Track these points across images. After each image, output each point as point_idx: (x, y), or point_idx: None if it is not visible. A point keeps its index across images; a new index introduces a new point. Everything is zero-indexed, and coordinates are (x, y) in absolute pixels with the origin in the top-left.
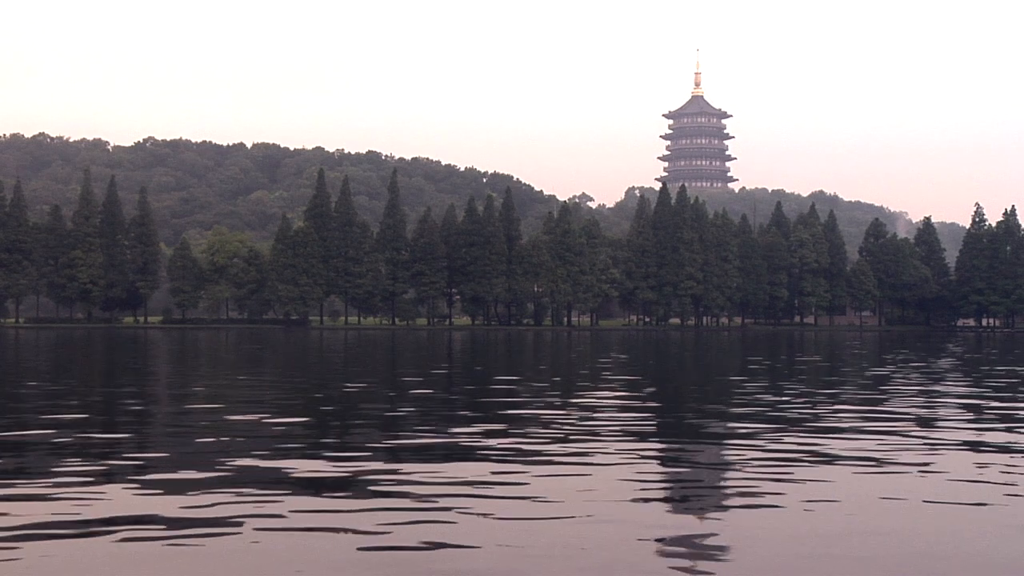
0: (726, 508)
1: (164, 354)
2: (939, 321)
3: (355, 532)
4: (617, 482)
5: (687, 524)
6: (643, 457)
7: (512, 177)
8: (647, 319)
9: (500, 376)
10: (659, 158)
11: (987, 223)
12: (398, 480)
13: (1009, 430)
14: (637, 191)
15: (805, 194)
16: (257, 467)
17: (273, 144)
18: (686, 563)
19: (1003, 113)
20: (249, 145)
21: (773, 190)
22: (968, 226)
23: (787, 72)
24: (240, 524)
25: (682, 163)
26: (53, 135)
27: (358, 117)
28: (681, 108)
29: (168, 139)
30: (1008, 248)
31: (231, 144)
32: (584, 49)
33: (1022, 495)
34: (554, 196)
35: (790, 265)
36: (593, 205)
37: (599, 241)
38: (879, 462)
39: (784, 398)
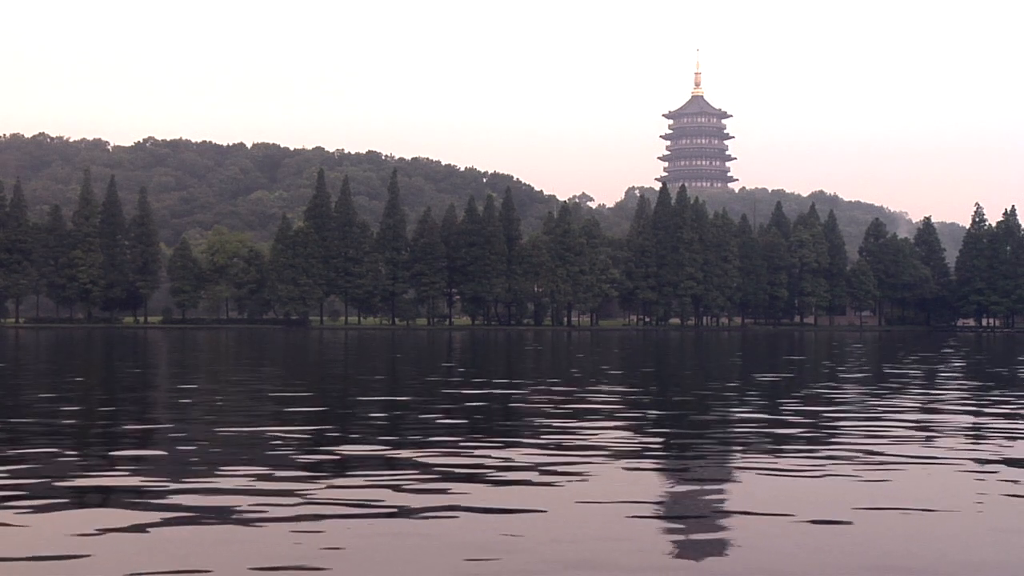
0: (729, 513)
1: (162, 355)
2: (939, 321)
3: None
4: (618, 485)
5: (687, 527)
6: (644, 459)
7: (512, 177)
8: (647, 319)
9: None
10: (659, 158)
11: (987, 223)
12: (387, 482)
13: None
14: (637, 191)
15: (805, 194)
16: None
17: (273, 144)
18: (687, 564)
19: (1003, 113)
20: (249, 145)
21: (773, 190)
22: (968, 226)
23: (787, 72)
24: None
25: (682, 163)
26: (53, 135)
27: (358, 117)
28: (681, 108)
29: (168, 139)
30: (1008, 248)
31: (231, 144)
32: (584, 49)
33: (1020, 495)
34: (554, 196)
35: (790, 265)
36: (593, 205)
37: (599, 241)
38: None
39: (789, 399)
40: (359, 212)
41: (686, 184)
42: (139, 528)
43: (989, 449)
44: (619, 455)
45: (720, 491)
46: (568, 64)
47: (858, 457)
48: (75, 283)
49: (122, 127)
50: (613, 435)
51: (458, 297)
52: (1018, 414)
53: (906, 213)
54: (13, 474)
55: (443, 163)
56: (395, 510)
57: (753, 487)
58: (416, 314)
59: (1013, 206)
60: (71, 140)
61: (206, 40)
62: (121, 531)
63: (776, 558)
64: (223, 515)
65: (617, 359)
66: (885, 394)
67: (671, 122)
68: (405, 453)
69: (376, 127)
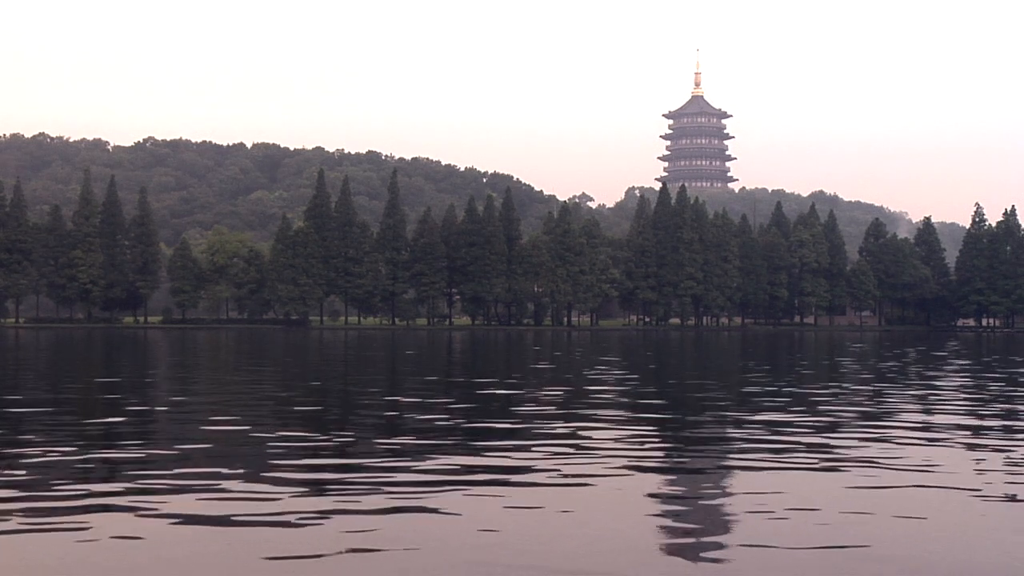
0: (729, 513)
1: (163, 355)
2: (939, 321)
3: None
4: (619, 485)
5: (690, 528)
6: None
7: (512, 177)
8: (647, 319)
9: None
10: (659, 158)
11: (987, 223)
12: (390, 482)
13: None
14: (637, 191)
15: (805, 194)
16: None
17: (273, 144)
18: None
19: (1003, 113)
20: (249, 145)
21: (773, 190)
22: (968, 226)
23: (787, 72)
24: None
25: (682, 163)
26: (53, 135)
27: (358, 117)
28: (681, 108)
29: (168, 139)
30: (1008, 248)
31: (231, 144)
32: (584, 49)
33: (1020, 497)
34: (554, 196)
35: (790, 265)
36: (593, 205)
37: (599, 241)
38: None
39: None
40: (359, 212)
41: (686, 184)
42: (139, 529)
43: (989, 449)
44: (622, 456)
45: (723, 492)
46: (568, 64)
47: (859, 457)
48: (75, 283)
49: (122, 127)
50: (616, 434)
51: (458, 297)
52: (1018, 414)
53: (906, 213)
54: (13, 475)
55: (443, 163)
56: (398, 510)
57: (755, 487)
58: (416, 314)
59: (1013, 206)
60: (71, 140)
61: (206, 40)
62: (120, 532)
63: (779, 558)
64: (224, 516)
65: (618, 359)
66: (885, 394)
67: (671, 122)
68: (407, 453)
69: (376, 127)
